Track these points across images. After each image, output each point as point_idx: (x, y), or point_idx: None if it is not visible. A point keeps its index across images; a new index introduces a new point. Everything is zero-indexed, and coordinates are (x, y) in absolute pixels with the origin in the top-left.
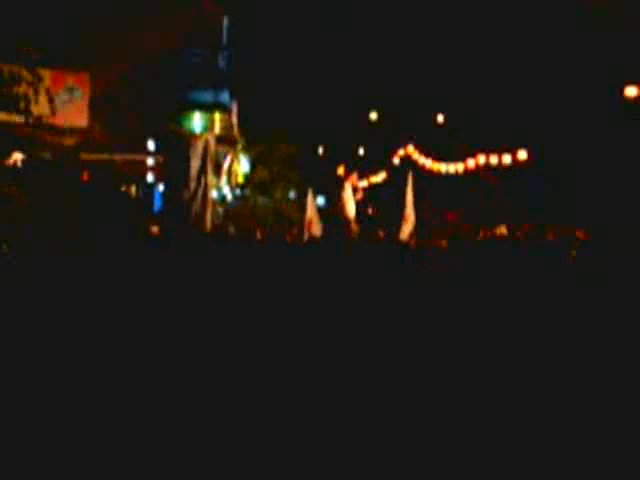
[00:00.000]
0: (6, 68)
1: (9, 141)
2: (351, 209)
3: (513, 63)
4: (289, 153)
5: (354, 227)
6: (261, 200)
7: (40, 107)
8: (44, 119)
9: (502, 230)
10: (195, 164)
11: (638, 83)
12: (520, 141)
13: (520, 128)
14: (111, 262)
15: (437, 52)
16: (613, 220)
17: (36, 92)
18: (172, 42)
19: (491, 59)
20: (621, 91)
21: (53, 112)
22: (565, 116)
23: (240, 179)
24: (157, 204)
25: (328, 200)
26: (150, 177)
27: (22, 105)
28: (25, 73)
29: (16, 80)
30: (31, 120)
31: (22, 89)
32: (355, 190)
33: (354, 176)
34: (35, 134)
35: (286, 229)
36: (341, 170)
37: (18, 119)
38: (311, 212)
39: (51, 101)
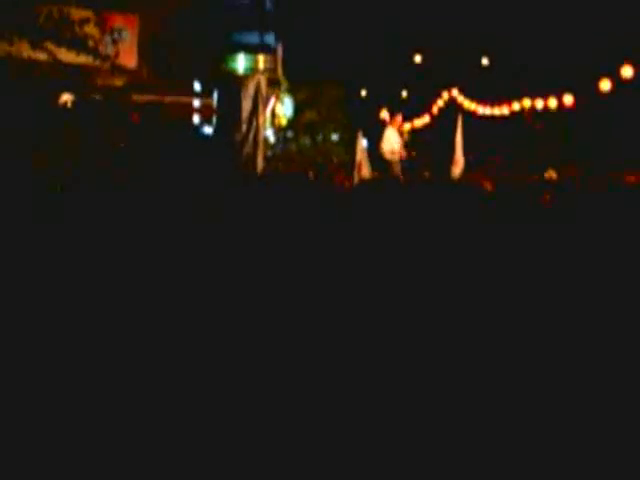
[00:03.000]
0: (76, 12)
1: (59, 82)
2: (394, 151)
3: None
4: (337, 95)
5: (396, 168)
6: (306, 142)
7: (108, 50)
8: (113, 60)
9: (552, 174)
10: (247, 105)
11: None
12: (566, 85)
13: (567, 72)
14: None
15: None
16: None
17: (103, 33)
18: None
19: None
20: None
21: (117, 54)
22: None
23: (283, 121)
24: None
25: (371, 143)
26: (196, 119)
27: (91, 45)
28: (92, 15)
29: (85, 21)
30: (100, 60)
31: (89, 29)
32: (400, 133)
33: (398, 118)
34: (85, 75)
35: (334, 171)
36: (384, 113)
37: (88, 62)
38: (361, 155)
39: (115, 42)
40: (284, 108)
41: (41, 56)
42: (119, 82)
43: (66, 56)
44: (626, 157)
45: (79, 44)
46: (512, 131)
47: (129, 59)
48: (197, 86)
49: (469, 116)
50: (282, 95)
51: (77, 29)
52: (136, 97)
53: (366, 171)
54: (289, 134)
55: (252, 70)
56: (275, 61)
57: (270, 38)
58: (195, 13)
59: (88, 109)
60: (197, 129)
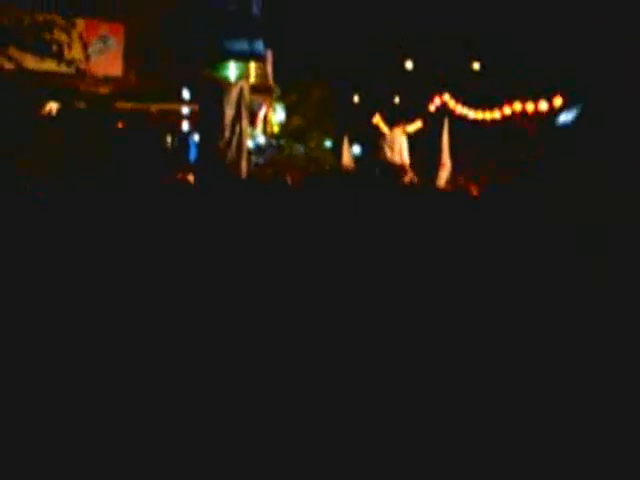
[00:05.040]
0: (41, 16)
1: (44, 90)
2: (405, 156)
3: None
4: (323, 98)
5: (410, 174)
6: (297, 149)
7: (75, 54)
8: (79, 64)
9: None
10: (229, 112)
11: None
12: (556, 87)
13: (556, 74)
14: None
15: None
16: None
17: (69, 37)
18: None
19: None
20: None
21: (87, 58)
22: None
23: (276, 128)
24: (192, 153)
25: (364, 149)
26: (185, 126)
27: (55, 49)
28: (59, 19)
29: (49, 26)
30: (64, 65)
31: (55, 35)
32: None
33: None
34: (70, 83)
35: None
36: (377, 119)
37: (52, 68)
38: (347, 159)
39: (85, 47)
40: (276, 115)
41: (7, 64)
42: (104, 90)
43: (30, 62)
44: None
45: (42, 49)
46: (504, 135)
47: (115, 67)
48: (186, 93)
49: (460, 120)
50: (274, 102)
51: (42, 34)
52: (120, 105)
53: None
54: (282, 141)
55: (242, 78)
56: (265, 68)
57: (259, 45)
58: (183, 21)
59: (72, 117)
60: (186, 136)
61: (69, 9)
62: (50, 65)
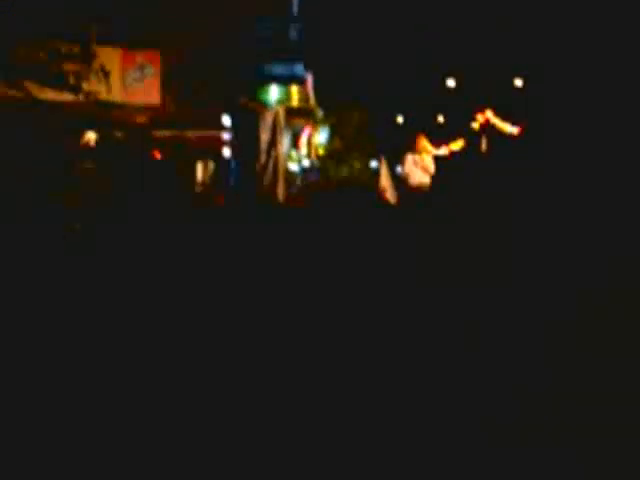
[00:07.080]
0: (57, 46)
1: (82, 121)
2: (414, 177)
3: (590, 26)
4: (361, 120)
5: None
6: (341, 171)
7: (92, 85)
8: (98, 96)
9: None
10: (265, 137)
11: None
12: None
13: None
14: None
15: (513, 15)
16: None
17: (89, 68)
18: (242, 12)
19: (567, 22)
20: None
21: (110, 89)
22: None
23: (320, 151)
24: (233, 178)
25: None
26: (226, 152)
27: (72, 81)
28: (75, 49)
29: (66, 56)
30: (81, 97)
31: (72, 66)
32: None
33: (422, 142)
34: (107, 114)
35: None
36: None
37: (70, 99)
38: (385, 180)
39: (106, 76)
40: (319, 137)
41: (22, 97)
42: (142, 119)
43: (48, 94)
44: None
45: (58, 81)
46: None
47: (153, 95)
48: (226, 119)
49: (505, 138)
50: (318, 125)
51: (58, 66)
52: (158, 133)
53: (391, 196)
54: (326, 164)
55: (284, 101)
56: (306, 91)
57: (300, 68)
58: (221, 47)
59: (111, 147)
60: (228, 163)
61: (92, 38)
62: (67, 97)
